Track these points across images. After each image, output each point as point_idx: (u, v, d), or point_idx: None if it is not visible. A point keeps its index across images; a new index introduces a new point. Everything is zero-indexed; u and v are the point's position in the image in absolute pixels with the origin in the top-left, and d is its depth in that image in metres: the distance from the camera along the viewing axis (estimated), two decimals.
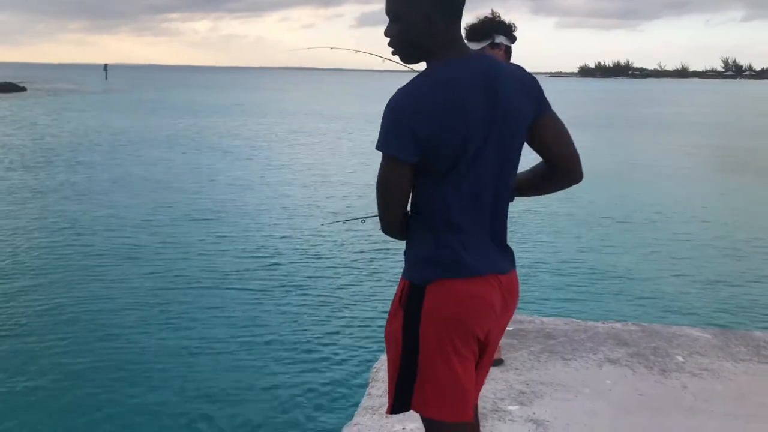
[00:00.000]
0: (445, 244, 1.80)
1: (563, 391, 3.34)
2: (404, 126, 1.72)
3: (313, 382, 5.48)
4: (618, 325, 4.38)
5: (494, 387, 3.36)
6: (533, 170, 2.01)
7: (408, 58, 1.89)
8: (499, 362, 3.61)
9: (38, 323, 6.57)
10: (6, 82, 58.39)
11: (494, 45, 3.42)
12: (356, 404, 3.45)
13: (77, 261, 8.71)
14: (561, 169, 1.93)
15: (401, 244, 1.92)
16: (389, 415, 1.91)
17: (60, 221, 10.90)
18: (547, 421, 3.04)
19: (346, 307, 7.24)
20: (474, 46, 3.33)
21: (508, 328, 4.12)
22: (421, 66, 1.91)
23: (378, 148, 1.77)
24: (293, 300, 7.46)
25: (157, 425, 4.82)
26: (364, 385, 3.79)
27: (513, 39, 3.47)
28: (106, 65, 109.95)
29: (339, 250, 9.42)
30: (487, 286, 1.81)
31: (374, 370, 3.60)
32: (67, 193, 13.31)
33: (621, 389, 3.39)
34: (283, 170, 17.22)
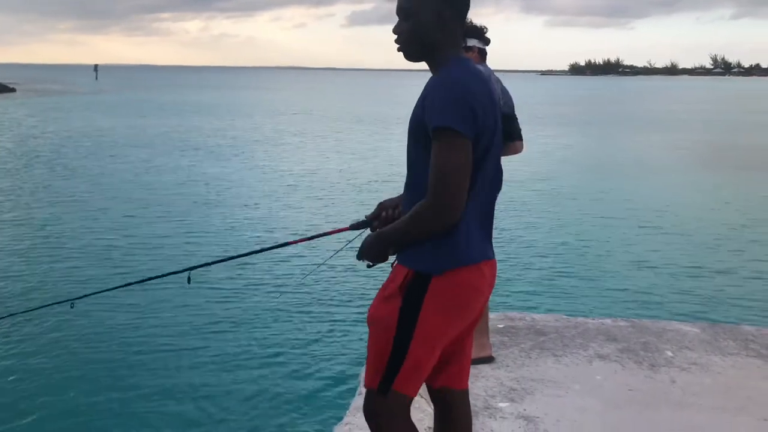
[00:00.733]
0: (461, 233, 1.84)
1: (554, 387, 3.36)
2: (467, 104, 1.77)
3: (304, 382, 5.48)
4: (608, 321, 4.41)
5: (485, 384, 3.37)
6: None
7: (413, 55, 1.95)
8: (490, 359, 3.62)
9: (6, 325, 6.42)
10: None
11: (467, 48, 3.49)
12: (347, 404, 3.46)
13: (49, 264, 8.55)
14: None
15: None
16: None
17: (33, 222, 10.74)
18: (538, 417, 3.06)
19: (335, 306, 7.23)
20: None
21: (498, 326, 4.15)
22: (422, 65, 1.96)
23: (444, 124, 1.74)
24: (282, 299, 7.45)
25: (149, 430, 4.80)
26: (355, 385, 3.80)
27: (486, 41, 3.56)
28: (96, 65, 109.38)
29: (328, 249, 9.40)
30: (481, 274, 1.90)
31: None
32: (41, 195, 13.19)
33: (611, 385, 3.41)
34: (266, 171, 17.11)
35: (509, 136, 3.37)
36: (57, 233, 10.20)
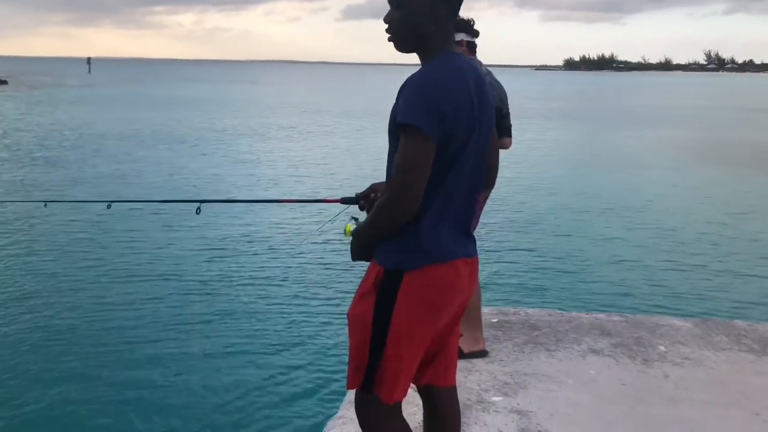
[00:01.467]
0: (428, 230, 1.83)
1: (547, 381, 3.37)
2: (432, 102, 1.74)
3: (299, 377, 5.47)
4: (602, 315, 4.42)
5: (479, 378, 3.37)
6: None
7: (403, 45, 1.92)
8: (483, 353, 3.62)
9: None
10: None
11: (455, 43, 3.45)
12: (341, 398, 3.46)
13: (21, 263, 8.36)
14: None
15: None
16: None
17: (4, 217, 10.52)
18: (531, 411, 3.06)
19: (329, 300, 7.22)
20: None
21: (492, 320, 4.15)
22: (413, 57, 1.94)
23: (406, 121, 1.74)
24: (277, 294, 7.44)
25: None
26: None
27: (474, 34, 3.52)
28: (89, 58, 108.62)
29: (317, 244, 9.40)
30: (455, 270, 1.88)
31: None
32: (18, 187, 13.07)
33: (604, 379, 3.41)
34: (248, 164, 16.99)
35: (498, 132, 3.36)
36: (30, 229, 9.97)
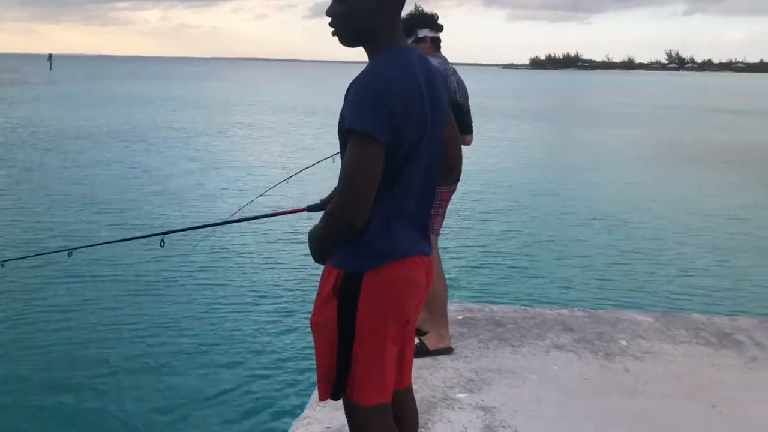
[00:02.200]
0: (384, 230, 1.81)
1: (511, 377, 3.40)
2: (380, 103, 1.68)
3: (264, 378, 5.42)
4: (565, 311, 4.49)
5: (444, 375, 3.39)
6: None
7: (348, 40, 1.85)
8: (448, 350, 3.64)
9: None
10: None
11: (419, 40, 3.42)
12: (307, 398, 3.44)
13: None
14: (446, 167, 2.03)
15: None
16: (326, 403, 1.92)
17: None
18: (495, 407, 3.09)
19: (291, 303, 7.16)
20: None
21: (457, 317, 4.18)
22: (360, 52, 1.89)
23: (352, 126, 1.68)
24: (240, 291, 7.37)
25: None
26: (315, 379, 3.76)
27: (437, 29, 3.47)
28: (50, 55, 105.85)
29: (275, 246, 9.31)
30: (415, 268, 1.87)
31: None
32: None
33: (567, 374, 3.47)
34: (204, 162, 16.78)
35: (460, 128, 3.37)
36: None
